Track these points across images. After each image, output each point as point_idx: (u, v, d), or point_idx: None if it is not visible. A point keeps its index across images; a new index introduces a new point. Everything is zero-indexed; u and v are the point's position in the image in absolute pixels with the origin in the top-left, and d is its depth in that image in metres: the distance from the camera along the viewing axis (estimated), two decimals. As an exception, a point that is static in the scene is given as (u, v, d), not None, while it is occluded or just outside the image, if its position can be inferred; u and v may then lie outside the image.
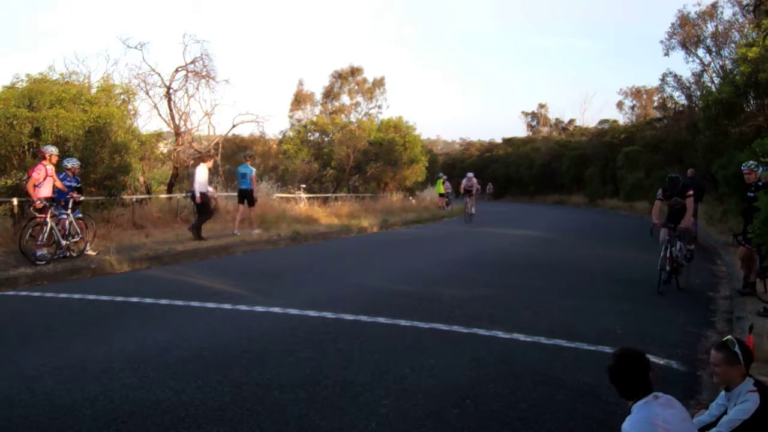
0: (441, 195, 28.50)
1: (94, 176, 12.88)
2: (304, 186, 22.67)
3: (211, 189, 13.55)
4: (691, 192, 8.70)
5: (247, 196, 14.50)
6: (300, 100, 28.98)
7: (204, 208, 13.04)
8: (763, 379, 4.43)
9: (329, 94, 28.99)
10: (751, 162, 8.24)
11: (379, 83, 28.75)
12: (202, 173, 13.06)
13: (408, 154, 27.10)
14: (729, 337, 3.30)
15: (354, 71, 28.61)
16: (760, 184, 7.78)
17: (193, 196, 13.10)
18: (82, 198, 10.86)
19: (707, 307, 7.74)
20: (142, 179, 16.51)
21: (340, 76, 28.75)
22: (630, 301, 7.72)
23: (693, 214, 9.62)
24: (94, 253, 10.48)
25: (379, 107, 28.89)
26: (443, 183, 28.43)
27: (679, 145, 25.08)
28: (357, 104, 28.82)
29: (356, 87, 28.71)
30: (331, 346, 5.54)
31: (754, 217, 7.15)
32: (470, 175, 24.09)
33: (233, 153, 29.36)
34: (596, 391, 4.46)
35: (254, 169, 15.13)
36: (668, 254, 8.36)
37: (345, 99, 28.95)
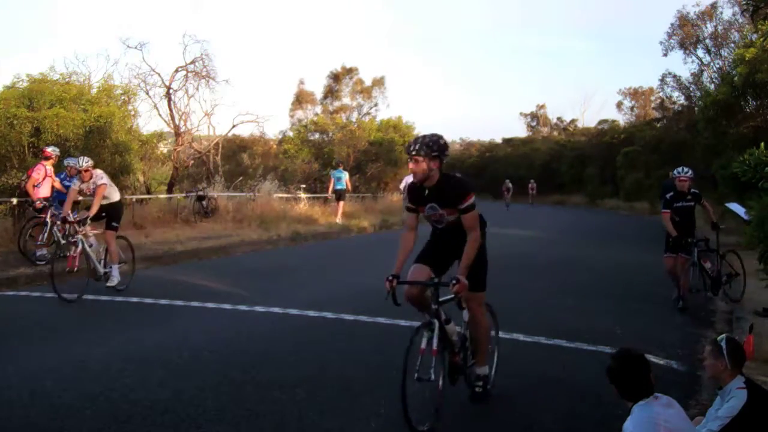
0: None
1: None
2: (304, 186, 22.67)
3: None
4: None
5: (341, 195, 18.16)
6: (301, 99, 28.97)
7: None
8: (763, 379, 4.44)
9: (329, 95, 29.00)
10: (686, 169, 7.47)
11: (378, 82, 28.76)
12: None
13: (408, 154, 27.13)
14: (725, 334, 3.32)
15: (349, 71, 28.63)
16: (695, 191, 7.36)
17: None
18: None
19: (707, 307, 7.73)
20: (141, 179, 16.51)
21: (336, 77, 28.76)
22: (630, 301, 7.71)
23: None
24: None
25: (376, 105, 28.91)
26: None
27: (679, 145, 25.11)
28: (359, 105, 28.91)
29: (356, 87, 28.76)
30: (331, 346, 5.54)
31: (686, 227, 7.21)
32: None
33: (233, 153, 29.31)
34: (596, 391, 4.46)
35: (347, 173, 18.80)
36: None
37: (346, 100, 29.00)
